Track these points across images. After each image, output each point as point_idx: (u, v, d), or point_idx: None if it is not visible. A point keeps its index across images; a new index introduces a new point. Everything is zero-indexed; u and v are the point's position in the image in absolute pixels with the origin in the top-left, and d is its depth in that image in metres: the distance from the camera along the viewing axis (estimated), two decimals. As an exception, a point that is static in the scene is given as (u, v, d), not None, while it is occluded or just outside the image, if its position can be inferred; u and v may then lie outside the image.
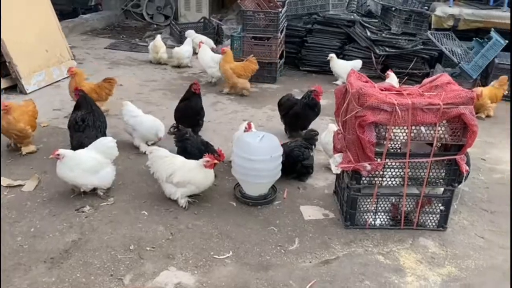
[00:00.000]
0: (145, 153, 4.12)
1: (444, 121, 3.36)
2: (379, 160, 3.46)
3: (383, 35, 8.02)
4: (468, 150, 4.78)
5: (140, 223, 3.64)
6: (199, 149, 4.17)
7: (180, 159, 3.95)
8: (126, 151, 4.75)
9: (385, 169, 3.53)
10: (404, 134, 3.39)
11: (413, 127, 3.37)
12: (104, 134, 4.62)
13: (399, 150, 3.70)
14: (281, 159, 3.98)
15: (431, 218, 3.72)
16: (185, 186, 3.79)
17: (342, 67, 7.47)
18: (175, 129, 4.45)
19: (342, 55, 8.33)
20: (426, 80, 3.76)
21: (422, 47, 7.89)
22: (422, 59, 8.08)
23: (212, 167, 3.79)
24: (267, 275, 3.15)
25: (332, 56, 7.56)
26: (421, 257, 3.39)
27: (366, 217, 3.72)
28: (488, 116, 6.54)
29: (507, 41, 7.52)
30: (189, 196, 3.91)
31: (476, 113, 6.37)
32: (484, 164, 5.00)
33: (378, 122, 3.31)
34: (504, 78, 6.75)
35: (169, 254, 3.31)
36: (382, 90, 3.55)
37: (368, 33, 8.10)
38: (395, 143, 3.58)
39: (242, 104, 6.61)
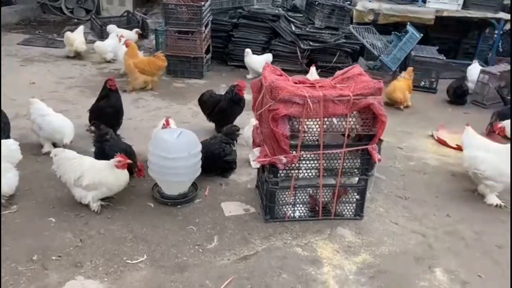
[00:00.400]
0: (49, 154, 3.84)
1: (355, 112, 3.43)
2: (294, 152, 3.47)
3: (307, 29, 8.15)
4: (386, 139, 5.04)
5: (46, 231, 3.39)
6: (118, 151, 3.92)
7: (89, 160, 3.73)
8: (35, 154, 4.42)
9: (300, 161, 3.55)
10: (317, 126, 3.42)
11: (326, 119, 3.41)
12: (8, 137, 4.27)
13: (316, 142, 3.74)
14: (200, 155, 3.89)
15: (348, 207, 3.81)
16: (96, 188, 3.59)
17: (257, 62, 7.51)
18: (95, 128, 4.19)
19: (268, 50, 8.38)
20: (338, 72, 3.82)
21: (344, 41, 8.11)
22: (345, 52, 8.31)
23: (124, 167, 3.61)
24: (183, 277, 3.05)
25: (248, 51, 7.55)
26: (338, 247, 3.45)
27: (285, 209, 3.72)
28: (406, 107, 6.85)
29: (422, 35, 7.94)
30: (102, 199, 3.70)
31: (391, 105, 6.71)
32: (400, 153, 5.22)
33: (291, 115, 3.30)
34: (410, 69, 7.06)
35: (77, 262, 3.10)
36: (296, 83, 3.56)
37: (293, 28, 8.20)
38: (309, 135, 3.61)
39: (166, 100, 6.43)
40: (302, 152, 3.50)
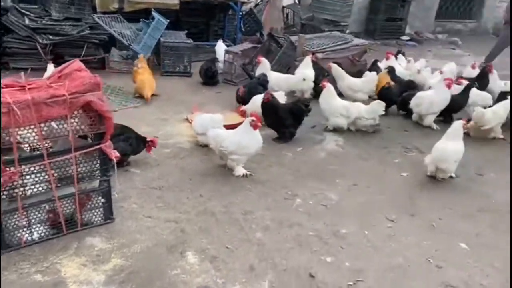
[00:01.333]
0: None
1: (78, 112, 3.16)
2: (12, 169, 3.01)
3: (44, 22, 7.36)
4: (143, 130, 4.94)
5: None
6: None
7: None
8: None
9: (24, 177, 3.12)
10: (34, 133, 3.04)
11: (43, 124, 3.05)
12: None
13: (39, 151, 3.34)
14: None
15: (96, 213, 3.57)
16: None
17: None
18: None
19: (2, 48, 7.30)
20: (55, 70, 3.46)
21: (89, 32, 7.64)
22: (93, 44, 7.86)
23: None
24: None
25: None
26: (85, 260, 3.19)
27: (19, 234, 3.25)
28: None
29: (168, 20, 8.09)
30: None
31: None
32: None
33: (-6, 126, 2.83)
34: (141, 56, 7.11)
35: None
36: (2, 87, 3.07)
37: (27, 21, 7.29)
38: (28, 145, 3.20)
39: None
40: (23, 167, 3.07)
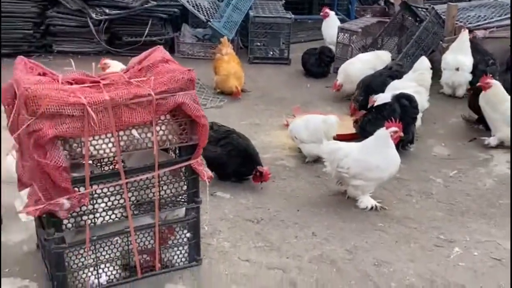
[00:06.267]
0: None
1: (163, 117, 3.37)
2: (82, 190, 3.28)
3: (99, -9, 7.96)
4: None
5: None
6: None
7: None
8: None
9: (95, 201, 3.38)
10: (110, 144, 3.29)
11: (122, 133, 3.30)
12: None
13: (114, 168, 3.62)
14: None
15: (178, 252, 3.76)
16: None
17: None
18: None
19: (45, 26, 7.99)
20: (134, 60, 3.72)
21: (156, 3, 8.08)
22: (160, 20, 8.31)
23: None
24: None
25: None
26: (167, 315, 3.39)
27: (84, 276, 3.52)
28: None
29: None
30: None
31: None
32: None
33: (65, 135, 3.11)
34: (224, 39, 7.32)
35: None
36: (70, 83, 3.37)
37: (78, -10, 7.93)
38: (101, 160, 3.47)
39: None
40: (95, 187, 3.33)
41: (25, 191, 3.49)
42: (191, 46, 8.45)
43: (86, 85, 3.38)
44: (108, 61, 6.09)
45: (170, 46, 8.37)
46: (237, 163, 4.79)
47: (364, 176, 4.42)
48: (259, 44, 8.25)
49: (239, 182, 4.92)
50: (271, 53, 8.30)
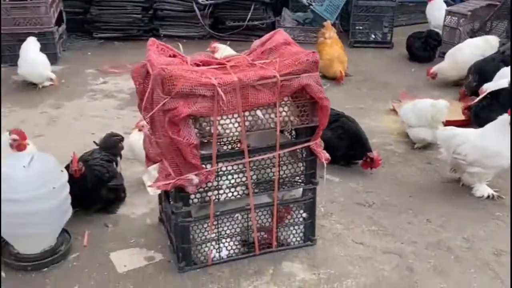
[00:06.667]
0: None
1: (286, 98, 3.47)
2: (208, 167, 3.44)
3: (205, -25, 8.17)
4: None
5: None
6: None
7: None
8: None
9: (220, 178, 3.53)
10: (236, 124, 3.42)
11: (247, 113, 3.42)
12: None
13: (238, 147, 3.75)
14: (67, 188, 3.73)
15: (294, 231, 3.87)
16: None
17: None
18: None
19: (153, 10, 8.29)
20: (256, 42, 3.84)
21: (259, -11, 8.21)
22: (262, 4, 8.43)
23: None
24: None
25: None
26: (287, 291, 3.51)
27: (206, 249, 3.70)
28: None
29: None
30: None
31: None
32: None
33: (197, 114, 3.27)
34: (327, 23, 7.28)
35: None
36: (197, 65, 3.53)
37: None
38: (227, 139, 3.61)
39: (3, 104, 6.10)
40: (220, 165, 3.49)
41: (153, 167, 3.71)
42: (291, 30, 8.48)
43: (213, 67, 3.55)
44: (217, 44, 6.27)
45: (271, 30, 8.42)
46: (346, 146, 4.82)
47: (482, 163, 4.33)
48: (361, 27, 8.19)
49: (348, 166, 4.96)
50: (373, 36, 8.23)
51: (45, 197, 3.53)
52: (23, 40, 6.74)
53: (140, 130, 4.44)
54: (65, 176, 3.71)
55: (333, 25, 7.95)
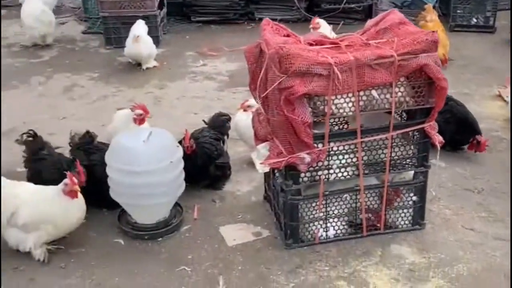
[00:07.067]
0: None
1: (402, 79, 3.43)
2: (320, 146, 3.47)
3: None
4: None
5: (-24, 299, 3.35)
6: (61, 174, 3.76)
7: (27, 187, 3.70)
8: None
9: (330, 157, 3.55)
10: (350, 104, 3.42)
11: (362, 93, 3.41)
12: None
13: (345, 128, 3.76)
14: (182, 163, 3.87)
15: (403, 214, 3.84)
16: (39, 228, 3.55)
17: None
18: (28, 137, 4.12)
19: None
20: (370, 22, 3.82)
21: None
22: (359, -14, 8.34)
23: (74, 195, 3.55)
24: None
25: None
26: (396, 273, 3.49)
27: (314, 228, 3.74)
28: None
29: None
30: (50, 242, 3.67)
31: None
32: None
33: (312, 93, 3.29)
34: (429, 6, 7.04)
35: None
36: (311, 44, 3.55)
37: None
38: (340, 119, 3.61)
39: (111, 84, 6.40)
40: (332, 144, 3.50)
41: (262, 145, 3.77)
42: (388, 14, 8.33)
43: (326, 46, 3.55)
44: (319, 20, 6.32)
45: (367, 14, 8.36)
46: (453, 131, 4.69)
47: None
48: (461, 11, 7.93)
49: (454, 151, 4.85)
50: (475, 20, 7.96)
51: (164, 171, 3.70)
52: (127, 23, 7.01)
53: (245, 110, 4.54)
54: (180, 151, 3.86)
55: (433, 8, 7.78)
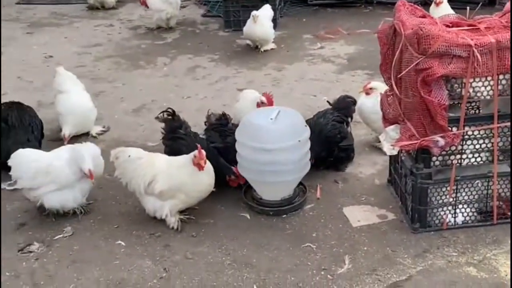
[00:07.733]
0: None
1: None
2: (454, 129, 3.42)
3: None
4: None
5: (117, 259, 3.61)
6: None
7: (162, 158, 3.93)
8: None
9: (464, 142, 3.50)
10: (489, 88, 3.35)
11: (501, 76, 3.33)
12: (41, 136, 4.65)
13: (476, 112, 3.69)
14: (309, 144, 3.94)
15: (531, 205, 3.73)
16: (174, 196, 3.76)
17: None
18: (168, 116, 4.37)
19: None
20: (509, 5, 3.70)
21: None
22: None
23: (200, 168, 3.72)
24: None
25: None
26: (530, 264, 3.40)
27: (442, 213, 3.70)
28: None
29: None
30: (181, 212, 3.88)
31: None
32: None
33: (450, 75, 3.26)
34: None
35: (166, 300, 3.29)
36: (448, 26, 3.51)
37: None
38: (476, 102, 3.55)
39: (231, 66, 6.57)
40: (467, 129, 3.45)
41: (391, 128, 3.77)
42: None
43: (464, 28, 3.49)
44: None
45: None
46: None
47: None
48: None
49: None
50: None
51: (292, 149, 3.79)
52: (247, 6, 7.16)
53: (367, 93, 4.54)
54: (308, 131, 3.92)
55: None
